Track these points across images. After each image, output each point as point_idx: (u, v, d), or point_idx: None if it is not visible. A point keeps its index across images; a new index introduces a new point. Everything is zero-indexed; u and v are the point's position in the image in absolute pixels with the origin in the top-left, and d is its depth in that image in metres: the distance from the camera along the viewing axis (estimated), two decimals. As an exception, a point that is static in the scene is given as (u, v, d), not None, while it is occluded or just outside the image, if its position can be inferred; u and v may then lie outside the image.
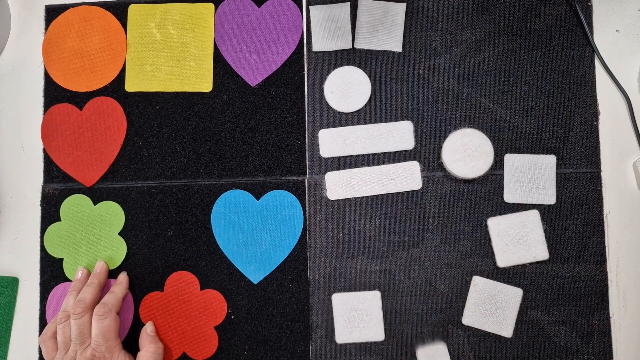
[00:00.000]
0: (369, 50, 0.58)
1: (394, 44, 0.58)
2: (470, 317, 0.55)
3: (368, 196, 0.57)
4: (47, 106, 0.61)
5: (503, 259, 0.55)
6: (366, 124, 0.58)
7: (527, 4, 0.58)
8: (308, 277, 0.57)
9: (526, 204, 0.56)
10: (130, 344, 0.57)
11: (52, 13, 0.62)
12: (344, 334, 0.55)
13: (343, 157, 0.58)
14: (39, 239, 0.59)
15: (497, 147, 0.56)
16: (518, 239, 0.55)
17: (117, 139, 0.60)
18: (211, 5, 0.60)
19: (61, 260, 0.59)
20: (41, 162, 0.60)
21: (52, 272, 0.59)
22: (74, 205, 0.59)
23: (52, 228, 0.59)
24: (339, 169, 0.57)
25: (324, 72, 0.59)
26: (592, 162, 0.56)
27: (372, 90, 0.58)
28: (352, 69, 0.58)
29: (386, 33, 0.58)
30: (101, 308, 0.52)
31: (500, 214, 0.56)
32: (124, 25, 0.61)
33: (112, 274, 0.58)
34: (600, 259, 0.55)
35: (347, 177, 0.57)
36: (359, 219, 0.57)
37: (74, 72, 0.61)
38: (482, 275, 0.55)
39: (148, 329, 0.55)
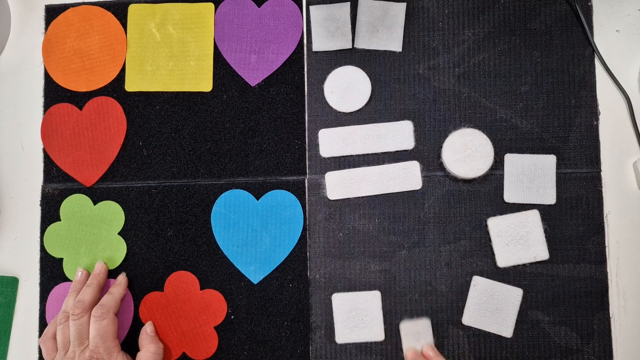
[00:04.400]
0: (369, 50, 0.58)
1: (394, 44, 0.58)
2: (470, 317, 0.55)
3: (368, 196, 0.57)
4: (47, 106, 0.61)
5: (503, 259, 0.55)
6: (366, 124, 0.58)
7: (527, 4, 0.58)
8: (308, 277, 0.57)
9: (526, 204, 0.56)
10: (130, 344, 0.57)
11: (52, 13, 0.62)
12: (344, 334, 0.55)
13: (343, 157, 0.58)
14: (39, 239, 0.59)
15: (497, 147, 0.56)
16: (518, 239, 0.55)
17: (117, 139, 0.60)
18: (211, 5, 0.60)
19: (61, 260, 0.59)
20: (41, 162, 0.60)
21: (52, 272, 0.59)
22: (74, 205, 0.59)
23: (52, 228, 0.59)
24: (339, 169, 0.57)
25: (324, 72, 0.59)
26: (592, 162, 0.56)
27: (372, 90, 0.58)
28: (352, 69, 0.58)
29: (386, 33, 0.58)
30: (99, 309, 0.52)
31: (500, 214, 0.56)
32: (124, 25, 0.61)
33: (112, 274, 0.58)
34: (600, 259, 0.55)
35: (347, 177, 0.57)
36: (359, 219, 0.57)
37: (74, 72, 0.61)
38: (482, 275, 0.55)
39: (148, 329, 0.55)
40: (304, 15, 0.60)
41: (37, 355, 0.58)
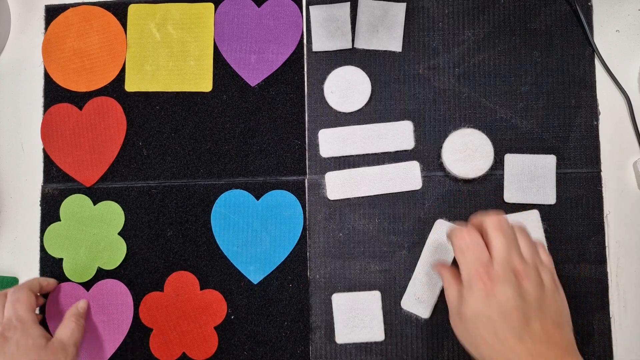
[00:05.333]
0: (369, 50, 0.58)
1: (394, 44, 0.58)
2: (470, 317, 0.55)
3: (368, 196, 0.57)
4: (47, 106, 0.61)
5: (503, 259, 0.55)
6: (366, 124, 0.58)
7: (527, 4, 0.58)
8: (308, 277, 0.57)
9: (526, 204, 0.56)
10: (130, 344, 0.57)
11: (52, 13, 0.62)
12: (344, 334, 0.55)
13: (343, 157, 0.58)
14: (38, 239, 0.59)
15: (497, 147, 0.56)
16: (518, 239, 0.55)
17: (117, 139, 0.60)
18: (211, 5, 0.60)
19: (61, 260, 0.59)
20: (41, 162, 0.60)
21: (52, 272, 0.59)
22: (74, 205, 0.59)
23: (52, 228, 0.59)
24: (339, 169, 0.57)
25: (324, 72, 0.59)
26: (592, 162, 0.56)
27: (372, 90, 0.58)
28: (352, 69, 0.58)
29: (386, 33, 0.58)
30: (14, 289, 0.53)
31: (500, 214, 0.56)
32: (124, 25, 0.61)
33: (112, 274, 0.58)
34: (600, 259, 0.55)
35: (347, 177, 0.57)
36: (359, 219, 0.57)
37: (74, 72, 0.61)
38: (482, 275, 0.55)
39: (79, 305, 0.56)
40: (304, 15, 0.59)
41: (37, 355, 0.58)
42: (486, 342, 0.41)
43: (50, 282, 0.57)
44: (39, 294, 0.57)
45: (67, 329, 0.53)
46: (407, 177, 0.57)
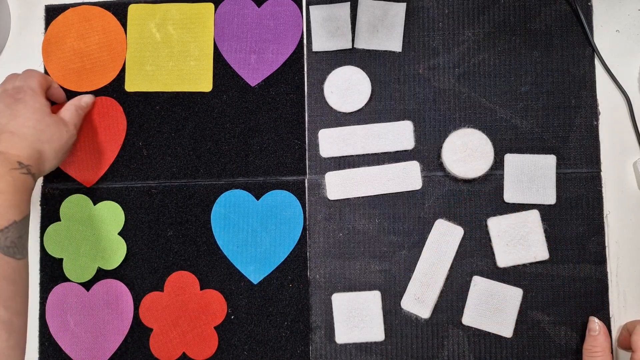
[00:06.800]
0: (369, 50, 0.58)
1: (394, 44, 0.58)
2: (470, 317, 0.55)
3: (368, 196, 0.57)
4: (47, 106, 0.61)
5: (503, 259, 0.55)
6: (366, 124, 0.58)
7: (527, 4, 0.58)
8: (308, 277, 0.57)
9: (526, 204, 0.56)
10: (130, 344, 0.57)
11: (52, 13, 0.62)
12: (344, 334, 0.55)
13: (343, 157, 0.58)
14: (38, 239, 0.59)
15: (497, 147, 0.56)
16: (518, 239, 0.55)
17: (117, 139, 0.60)
18: (211, 5, 0.60)
19: (61, 260, 0.59)
20: (41, 162, 0.60)
21: (52, 272, 0.59)
22: (74, 205, 0.59)
23: (52, 228, 0.59)
24: (339, 169, 0.57)
25: (324, 72, 0.59)
26: (592, 162, 0.56)
27: (372, 90, 0.58)
28: (352, 69, 0.58)
29: (386, 33, 0.58)
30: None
31: (500, 214, 0.56)
32: (124, 25, 0.61)
33: (112, 274, 0.58)
34: (600, 259, 0.55)
35: (347, 177, 0.57)
36: (359, 219, 0.57)
37: (74, 72, 0.61)
38: (482, 275, 0.55)
39: (83, 98, 0.57)
40: (304, 15, 0.59)
41: (37, 356, 0.58)
42: None
43: (59, 90, 0.59)
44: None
45: (67, 112, 0.56)
46: (407, 177, 0.57)
